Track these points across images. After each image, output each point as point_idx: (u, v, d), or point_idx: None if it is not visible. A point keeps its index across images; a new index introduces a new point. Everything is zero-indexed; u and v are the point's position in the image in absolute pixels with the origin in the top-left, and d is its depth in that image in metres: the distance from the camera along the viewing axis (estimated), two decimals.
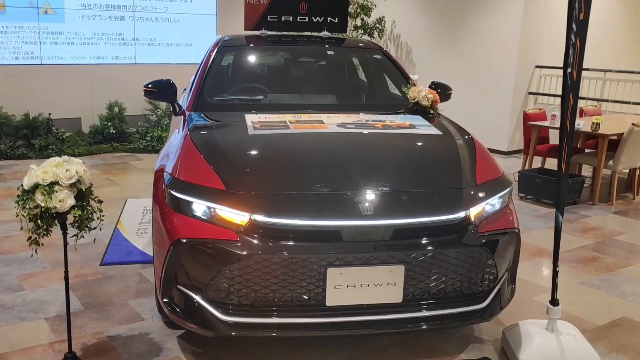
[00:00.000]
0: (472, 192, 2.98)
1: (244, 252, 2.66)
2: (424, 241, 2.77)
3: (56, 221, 2.69)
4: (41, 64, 8.39)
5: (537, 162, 7.13)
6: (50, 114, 8.20)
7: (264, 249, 2.66)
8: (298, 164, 3.12)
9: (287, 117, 3.60)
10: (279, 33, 4.80)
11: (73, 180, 2.64)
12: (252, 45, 4.65)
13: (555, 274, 3.11)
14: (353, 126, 3.49)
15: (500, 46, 8.83)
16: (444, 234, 2.82)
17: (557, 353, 2.98)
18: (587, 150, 6.89)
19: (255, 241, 2.67)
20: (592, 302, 3.92)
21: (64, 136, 8.13)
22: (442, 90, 4.36)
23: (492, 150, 8.47)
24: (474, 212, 2.90)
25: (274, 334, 2.78)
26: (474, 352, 3.21)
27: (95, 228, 2.78)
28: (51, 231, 2.73)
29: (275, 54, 4.76)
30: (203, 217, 2.78)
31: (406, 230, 2.77)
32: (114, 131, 8.38)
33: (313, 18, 4.84)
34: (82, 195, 2.72)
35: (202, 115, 3.76)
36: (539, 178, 6.23)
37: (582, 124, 6.34)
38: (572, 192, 6.16)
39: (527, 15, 8.55)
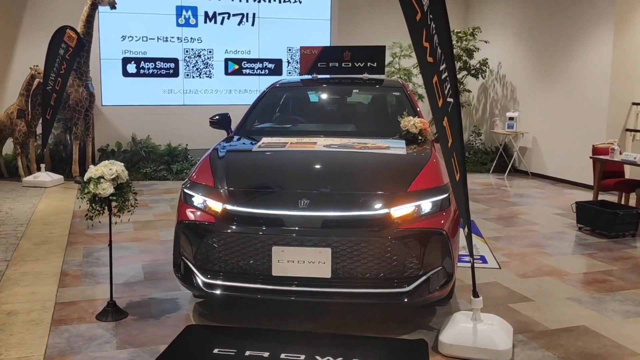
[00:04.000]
0: (397, 197, 3.70)
1: (216, 231, 3.67)
2: (346, 231, 3.57)
3: (103, 204, 3.92)
4: (183, 105, 10.20)
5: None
6: (187, 145, 9.97)
7: (228, 229, 3.66)
8: (267, 171, 4.13)
9: (291, 140, 4.59)
10: (327, 76, 5.82)
11: (113, 176, 3.85)
12: (294, 86, 5.74)
13: (472, 269, 3.67)
14: (336, 147, 4.38)
15: (592, 84, 8.99)
16: (364, 226, 3.59)
17: (470, 336, 3.52)
18: None
19: (224, 224, 3.68)
20: (563, 312, 4.28)
21: None
22: None
23: (587, 186, 8.60)
24: (395, 212, 3.63)
25: (236, 294, 3.72)
26: (418, 334, 3.84)
27: (130, 211, 3.98)
28: (102, 212, 3.94)
29: (310, 93, 5.77)
30: (198, 206, 3.85)
31: (332, 221, 3.60)
32: None
33: (355, 64, 5.83)
34: (121, 187, 3.93)
35: (236, 138, 4.88)
36: (593, 209, 6.44)
37: (638, 158, 6.46)
38: (628, 225, 6.28)
39: (616, 55, 8.68)
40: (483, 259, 5.49)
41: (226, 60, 10.31)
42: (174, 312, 4.17)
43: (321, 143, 4.48)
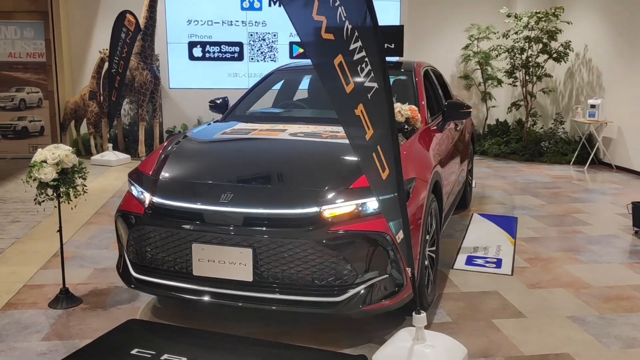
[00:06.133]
0: (335, 193, 3.28)
1: (141, 223, 3.49)
2: (269, 230, 3.22)
3: (48, 189, 3.84)
4: (248, 88, 10.12)
5: None
6: None
7: (152, 222, 3.45)
8: (205, 161, 3.85)
9: (262, 126, 4.28)
10: None
11: (56, 161, 3.77)
12: (298, 69, 5.38)
13: (413, 282, 3.18)
14: (302, 135, 4.01)
15: None
16: (289, 226, 3.22)
17: (404, 359, 3.07)
18: None
19: (149, 216, 3.47)
20: (552, 334, 3.65)
21: None
22: (455, 109, 4.58)
23: None
24: (328, 210, 3.22)
25: (161, 293, 3.51)
26: (364, 349, 3.41)
27: (77, 197, 3.89)
28: (49, 196, 3.88)
29: (311, 77, 5.37)
30: (135, 196, 3.67)
31: (254, 218, 3.26)
32: None
33: None
34: (66, 172, 3.83)
35: (214, 123, 4.66)
36: None
37: None
38: None
39: None
40: (498, 263, 4.88)
41: (291, 44, 10.12)
42: (128, 303, 4.04)
43: (290, 131, 4.14)
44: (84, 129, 10.22)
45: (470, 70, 11.20)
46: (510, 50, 10.00)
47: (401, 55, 5.47)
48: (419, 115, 4.26)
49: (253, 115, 4.88)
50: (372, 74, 2.82)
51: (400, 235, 3.06)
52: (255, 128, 4.28)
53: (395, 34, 5.47)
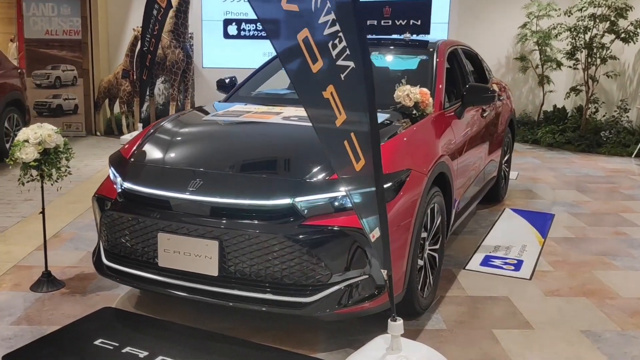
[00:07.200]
0: (312, 184, 2.99)
1: (112, 208, 3.28)
2: (237, 222, 2.95)
3: (31, 169, 3.69)
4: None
5: None
6: None
7: (120, 208, 3.24)
8: (183, 144, 3.61)
9: (257, 109, 4.02)
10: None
11: (38, 140, 3.60)
12: None
13: (390, 286, 2.82)
14: (295, 119, 3.70)
15: None
16: (258, 218, 2.95)
17: None
18: None
19: (120, 201, 3.27)
20: (557, 350, 3.22)
21: None
22: (476, 93, 4.24)
23: None
24: (302, 203, 2.93)
25: (128, 282, 3.31)
26: (339, 354, 3.11)
27: (58, 179, 3.72)
28: (33, 177, 3.72)
29: None
30: (112, 180, 3.48)
31: (222, 209, 3.00)
32: None
33: (396, 21, 4.98)
34: (48, 153, 3.66)
35: (214, 104, 4.42)
36: None
37: None
38: None
39: None
40: (518, 266, 4.45)
41: None
42: (109, 290, 3.84)
43: (285, 114, 3.84)
44: (117, 108, 10.19)
45: (527, 52, 10.49)
46: (572, 30, 9.28)
47: (427, 32, 5.05)
48: (430, 99, 3.87)
49: (257, 97, 4.62)
50: (347, 52, 2.48)
51: (376, 233, 2.71)
52: (250, 110, 4.00)
53: (421, 8, 5.04)
